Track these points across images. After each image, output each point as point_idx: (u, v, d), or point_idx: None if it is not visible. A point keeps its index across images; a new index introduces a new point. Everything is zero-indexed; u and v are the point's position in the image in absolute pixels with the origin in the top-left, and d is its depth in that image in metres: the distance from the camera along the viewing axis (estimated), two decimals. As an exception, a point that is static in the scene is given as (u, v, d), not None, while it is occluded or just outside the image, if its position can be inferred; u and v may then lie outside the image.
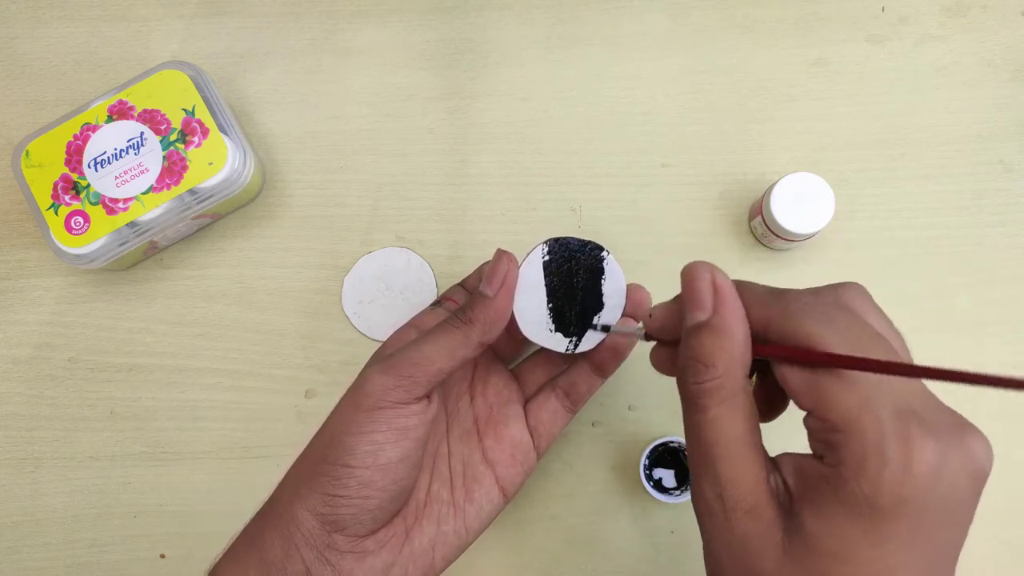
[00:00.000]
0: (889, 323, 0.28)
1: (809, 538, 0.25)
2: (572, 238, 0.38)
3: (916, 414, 0.24)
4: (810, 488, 0.25)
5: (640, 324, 0.35)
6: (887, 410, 0.24)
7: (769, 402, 0.31)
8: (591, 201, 0.49)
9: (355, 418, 0.34)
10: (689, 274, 0.29)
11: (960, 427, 0.25)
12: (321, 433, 0.36)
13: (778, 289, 0.28)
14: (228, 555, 0.35)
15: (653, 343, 0.34)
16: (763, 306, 0.28)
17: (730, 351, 0.27)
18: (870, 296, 0.28)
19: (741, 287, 0.29)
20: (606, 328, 0.38)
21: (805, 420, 0.26)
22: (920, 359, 0.27)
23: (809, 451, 0.27)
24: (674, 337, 0.31)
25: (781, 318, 0.27)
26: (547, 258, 0.38)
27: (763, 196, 0.46)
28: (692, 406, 0.27)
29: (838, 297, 0.27)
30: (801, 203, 0.44)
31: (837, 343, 0.25)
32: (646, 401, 0.47)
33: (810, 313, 0.26)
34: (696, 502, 0.28)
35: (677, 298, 0.31)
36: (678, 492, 0.45)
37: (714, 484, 0.26)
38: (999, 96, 0.50)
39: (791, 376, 0.26)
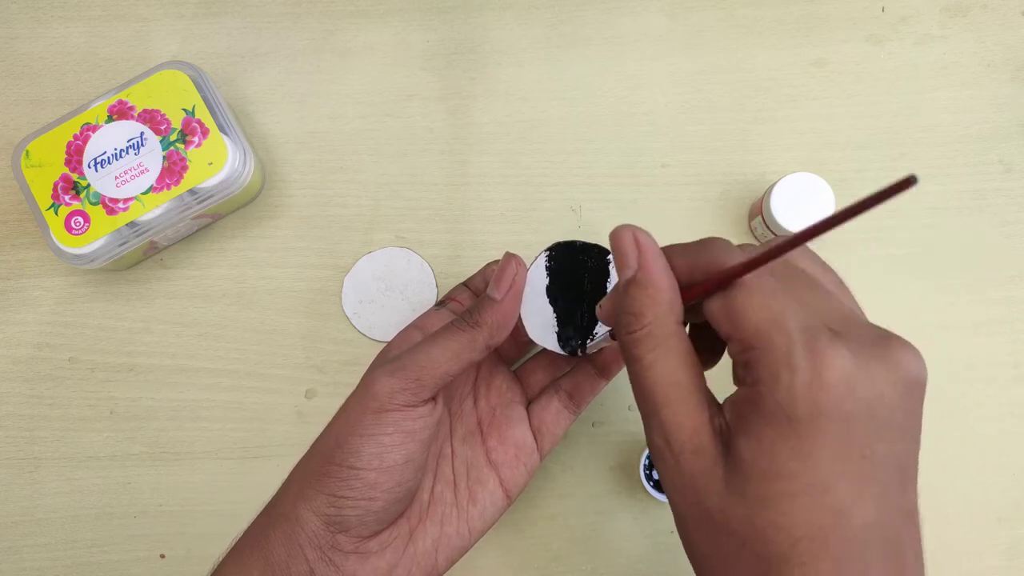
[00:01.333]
0: (818, 261, 0.29)
1: (743, 464, 0.25)
2: (578, 241, 0.38)
3: (829, 328, 0.24)
4: (739, 415, 0.25)
5: (606, 331, 0.35)
6: (796, 323, 0.24)
7: (708, 350, 0.31)
8: (591, 201, 0.49)
9: (361, 420, 0.34)
10: (614, 237, 0.29)
11: (884, 338, 0.25)
12: (326, 434, 0.36)
13: (695, 241, 0.29)
14: (231, 555, 0.35)
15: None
16: (684, 257, 0.28)
17: (655, 299, 0.27)
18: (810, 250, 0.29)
19: (669, 248, 0.29)
20: (586, 351, 0.39)
21: (728, 349, 0.26)
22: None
23: None
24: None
25: (702, 262, 0.28)
26: (553, 262, 0.38)
27: (763, 196, 0.46)
28: (629, 357, 0.28)
29: (750, 244, 0.29)
30: (801, 203, 0.44)
31: (741, 260, 0.26)
32: (646, 401, 0.47)
33: (724, 250, 0.27)
34: (651, 451, 0.28)
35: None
36: (678, 492, 0.45)
37: (660, 430, 0.27)
38: (999, 96, 0.50)
39: (711, 307, 0.26)
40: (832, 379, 0.23)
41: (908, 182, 0.19)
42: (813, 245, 0.26)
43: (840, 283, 0.29)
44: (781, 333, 0.24)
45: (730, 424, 0.26)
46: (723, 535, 0.25)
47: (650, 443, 0.28)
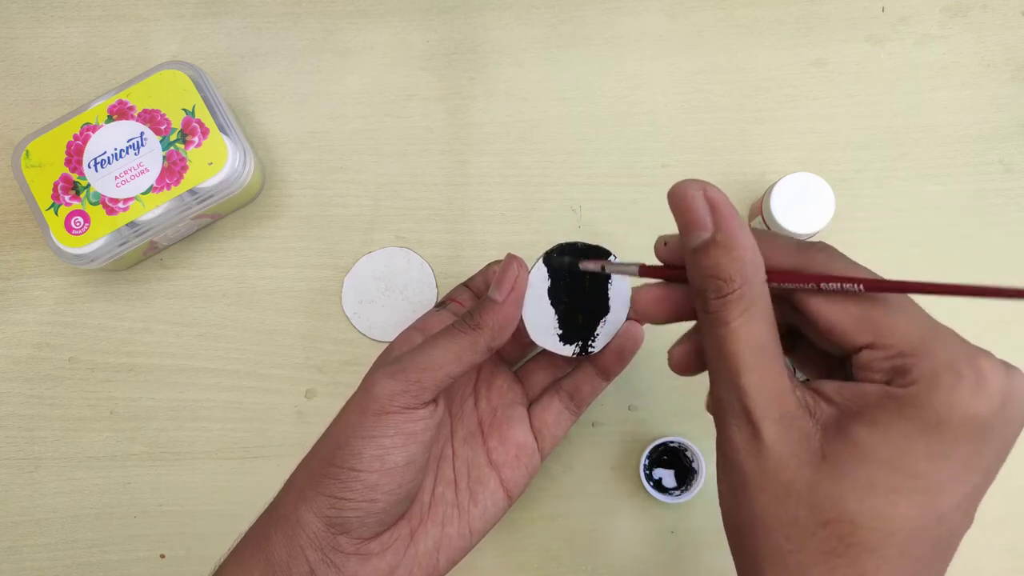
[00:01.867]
0: None
1: (859, 448, 0.24)
2: (579, 243, 0.38)
3: (972, 344, 0.25)
4: (868, 406, 0.25)
5: (634, 261, 0.33)
6: (951, 334, 0.25)
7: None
8: (591, 201, 0.49)
9: (362, 422, 0.34)
10: (679, 195, 0.27)
11: (1003, 360, 0.25)
12: (327, 436, 0.36)
13: (802, 240, 0.28)
14: (232, 557, 0.35)
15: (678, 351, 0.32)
16: (785, 252, 0.28)
17: (742, 260, 0.26)
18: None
19: (762, 235, 0.28)
20: (596, 269, 0.37)
21: (859, 356, 0.26)
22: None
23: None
24: (675, 275, 0.30)
25: (808, 263, 0.27)
26: (554, 263, 0.38)
27: (763, 196, 0.46)
28: (714, 322, 0.27)
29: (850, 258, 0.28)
30: (801, 203, 0.44)
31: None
32: (646, 401, 0.47)
33: (835, 258, 0.27)
34: (717, 419, 0.27)
35: None
36: (678, 492, 0.45)
37: (738, 393, 0.26)
38: (999, 96, 0.50)
39: (840, 314, 0.26)
40: (993, 389, 0.23)
41: None
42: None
43: None
44: (943, 343, 0.25)
45: (843, 406, 0.25)
46: (802, 507, 0.25)
47: (721, 410, 0.27)
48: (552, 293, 0.38)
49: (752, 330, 0.26)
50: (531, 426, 0.40)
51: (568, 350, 0.38)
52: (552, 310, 0.38)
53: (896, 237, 0.48)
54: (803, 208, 0.44)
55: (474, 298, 0.43)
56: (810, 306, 0.27)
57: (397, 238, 0.49)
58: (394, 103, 0.51)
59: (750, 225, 0.48)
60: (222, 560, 0.35)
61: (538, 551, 0.46)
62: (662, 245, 0.31)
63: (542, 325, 0.38)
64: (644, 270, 0.31)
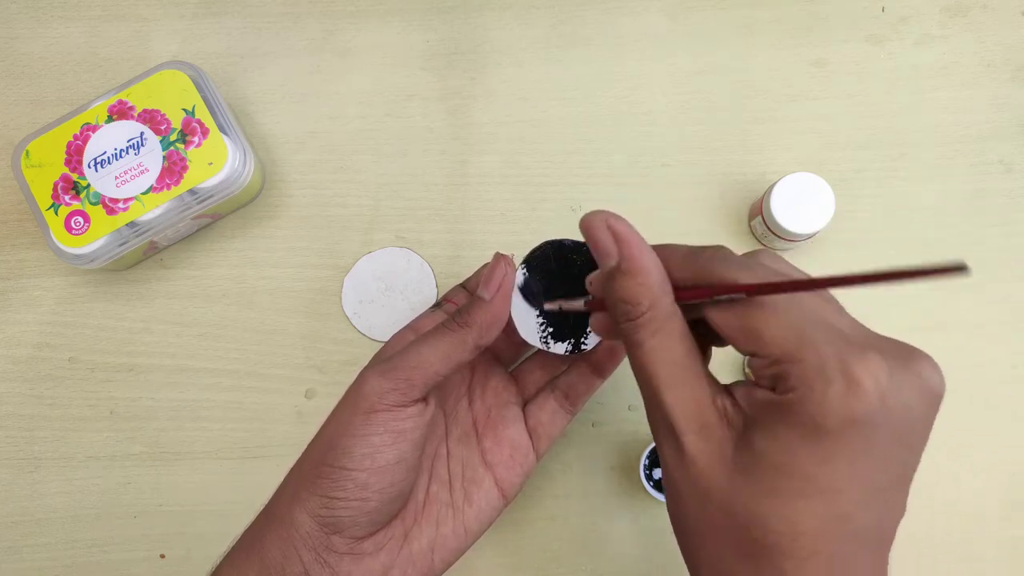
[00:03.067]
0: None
1: (758, 455, 0.25)
2: (568, 239, 0.38)
3: (858, 342, 0.25)
4: (761, 413, 0.26)
5: (583, 298, 0.35)
6: (823, 337, 0.25)
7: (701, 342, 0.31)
8: (591, 201, 0.49)
9: (352, 421, 0.34)
10: (584, 226, 0.29)
11: (907, 350, 0.25)
12: (319, 436, 0.36)
13: (697, 247, 0.29)
14: (228, 558, 0.35)
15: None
16: (683, 263, 0.29)
17: (647, 284, 0.28)
18: (784, 259, 0.30)
19: (662, 248, 0.30)
20: (554, 308, 0.38)
21: (749, 363, 0.27)
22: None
23: None
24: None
25: (701, 271, 0.28)
26: (543, 260, 0.38)
27: (763, 196, 0.46)
28: (629, 344, 0.28)
29: (752, 255, 0.29)
30: (801, 203, 0.44)
31: (752, 280, 0.26)
32: (646, 401, 0.47)
33: (726, 262, 0.28)
34: (653, 434, 0.29)
35: None
36: (678, 492, 0.45)
37: (662, 411, 0.27)
38: (999, 96, 0.50)
39: (724, 323, 0.27)
40: (868, 389, 0.23)
41: (958, 269, 0.19)
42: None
43: (836, 300, 0.29)
44: (811, 349, 0.24)
45: (746, 413, 0.27)
46: (720, 514, 0.26)
47: (653, 424, 0.29)
48: (542, 291, 0.38)
49: (665, 349, 0.28)
50: (526, 425, 0.40)
51: (560, 348, 0.38)
52: (541, 308, 0.38)
53: (896, 237, 0.48)
54: (803, 208, 0.44)
55: (469, 299, 0.43)
56: (706, 316, 0.28)
57: (397, 238, 0.49)
58: (394, 103, 0.51)
59: (749, 225, 0.48)
60: (217, 562, 0.35)
61: (538, 551, 0.46)
62: (590, 283, 0.33)
63: (533, 324, 0.38)
64: (589, 304, 0.34)
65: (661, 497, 0.44)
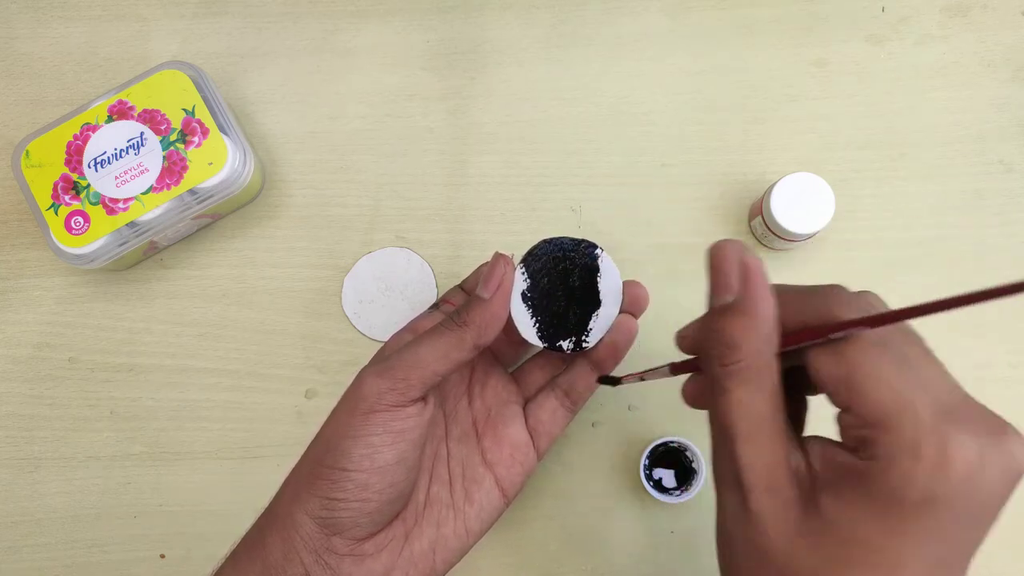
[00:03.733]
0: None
1: (826, 519, 0.25)
2: (565, 238, 0.38)
3: (953, 413, 0.24)
4: (836, 475, 0.25)
5: (665, 363, 0.34)
6: (924, 407, 0.24)
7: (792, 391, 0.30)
8: (591, 201, 0.49)
9: (351, 422, 0.34)
10: (715, 253, 0.28)
11: (999, 427, 0.25)
12: (318, 437, 0.36)
13: (808, 286, 0.28)
14: (229, 560, 0.35)
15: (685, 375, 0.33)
16: (794, 303, 0.27)
17: (756, 332, 0.26)
18: (883, 301, 0.28)
19: (777, 286, 0.28)
20: (618, 380, 0.38)
21: (839, 417, 0.26)
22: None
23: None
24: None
25: (814, 312, 0.27)
26: (541, 259, 0.38)
27: (763, 196, 0.46)
28: (716, 387, 0.27)
29: (863, 296, 0.28)
30: (801, 203, 0.44)
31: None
32: (646, 401, 0.47)
33: (841, 304, 0.26)
34: (715, 478, 0.28)
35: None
36: (678, 492, 0.45)
37: (733, 464, 0.26)
38: (999, 96, 0.50)
39: (827, 371, 0.25)
40: (958, 472, 0.23)
41: None
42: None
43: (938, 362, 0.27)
44: (910, 418, 0.23)
45: (817, 474, 0.26)
46: (775, 575, 0.26)
47: (718, 472, 0.28)
48: (541, 291, 0.38)
49: (752, 402, 0.26)
50: (526, 424, 0.40)
51: (562, 346, 0.38)
52: (542, 307, 0.38)
53: (896, 237, 0.48)
54: (803, 208, 0.44)
55: (468, 298, 0.43)
56: (807, 359, 0.26)
57: (397, 238, 0.49)
58: (394, 103, 0.51)
59: (749, 225, 0.48)
60: (219, 564, 0.35)
61: (538, 551, 0.46)
62: (681, 339, 0.32)
63: (533, 323, 0.38)
64: (675, 367, 0.33)
65: (661, 497, 0.44)
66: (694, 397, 0.32)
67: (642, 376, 0.36)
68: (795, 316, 0.27)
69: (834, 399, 0.26)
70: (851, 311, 0.26)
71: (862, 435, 0.24)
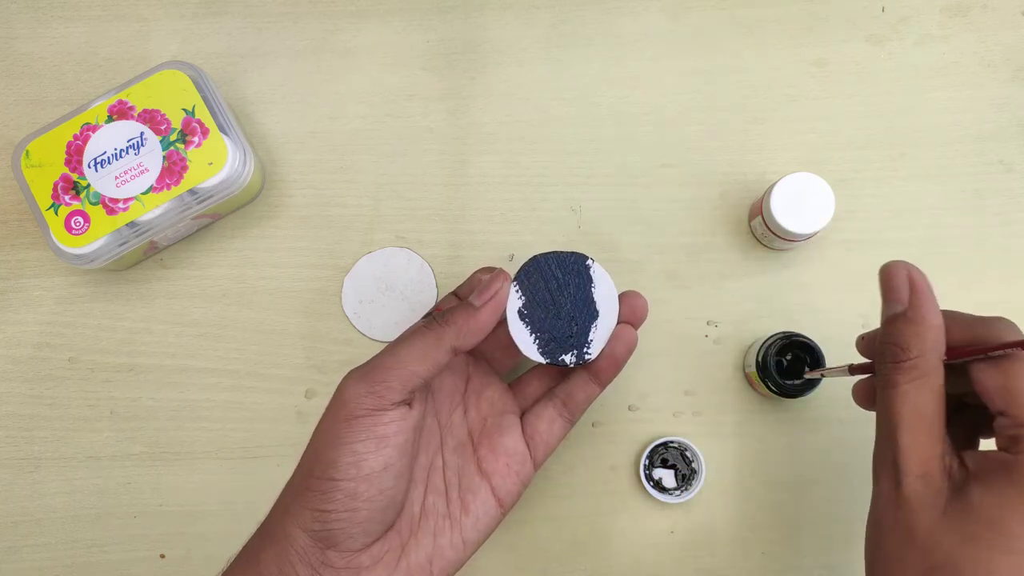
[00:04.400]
0: None
1: (971, 506, 0.28)
2: (555, 251, 0.38)
3: None
4: (987, 471, 0.28)
5: (844, 364, 0.38)
6: None
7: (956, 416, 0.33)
8: (591, 201, 0.49)
9: (334, 429, 0.34)
10: (887, 271, 0.32)
11: None
12: (307, 450, 0.36)
13: (979, 316, 0.32)
14: (226, 575, 0.35)
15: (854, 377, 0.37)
16: (966, 326, 0.31)
17: (923, 336, 0.30)
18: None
19: (951, 313, 0.32)
20: (816, 376, 0.42)
21: (996, 422, 0.29)
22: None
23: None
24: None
25: (982, 334, 0.30)
26: (532, 277, 0.38)
27: (763, 196, 0.46)
28: (885, 382, 0.31)
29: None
30: (801, 203, 0.44)
31: None
32: (646, 401, 0.47)
33: (1008, 330, 0.30)
34: (874, 466, 0.31)
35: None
36: (678, 492, 0.45)
37: (893, 449, 0.30)
38: (999, 96, 0.50)
39: (987, 379, 0.29)
40: None
41: None
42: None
43: None
44: None
45: (971, 470, 0.29)
46: (919, 553, 0.28)
47: (879, 459, 0.31)
48: (537, 307, 0.38)
49: (918, 397, 0.30)
50: (523, 434, 0.40)
51: (564, 360, 0.38)
52: (539, 323, 0.38)
53: (896, 237, 0.48)
54: (803, 208, 0.44)
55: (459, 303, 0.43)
56: (971, 371, 0.30)
57: (397, 238, 0.49)
58: (394, 103, 0.51)
59: (749, 225, 0.48)
60: None
61: (538, 551, 0.46)
62: (860, 340, 0.36)
63: (532, 339, 0.38)
64: (854, 369, 0.37)
65: (661, 497, 0.44)
66: (863, 397, 0.36)
67: (823, 373, 0.41)
68: (961, 335, 0.31)
69: (992, 404, 0.29)
70: (1011, 335, 0.30)
71: (1014, 434, 0.28)
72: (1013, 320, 0.31)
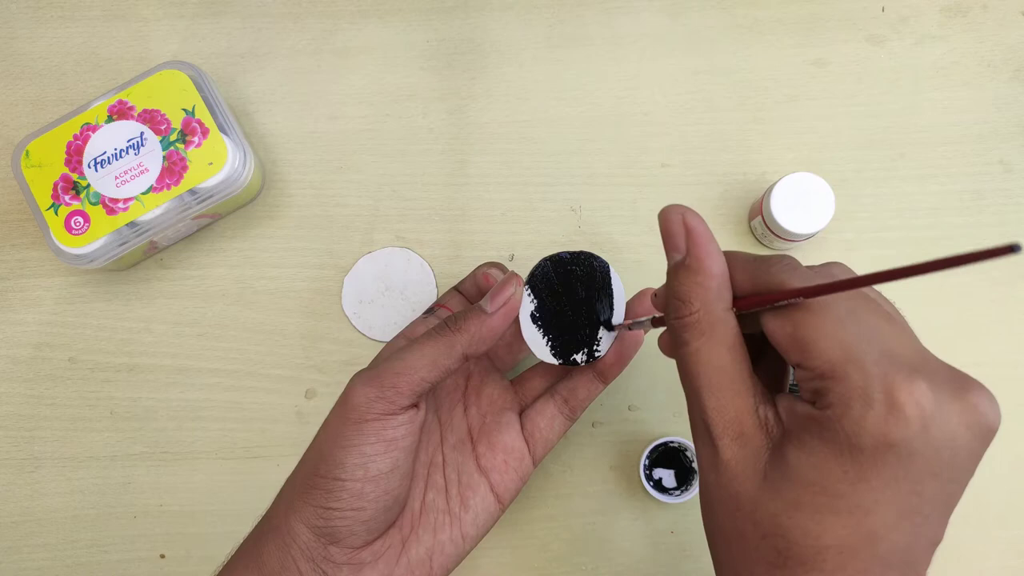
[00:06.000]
0: (881, 294, 0.29)
1: (789, 468, 0.25)
2: (563, 252, 0.38)
3: (908, 364, 0.24)
4: (799, 426, 0.26)
5: (648, 316, 0.35)
6: (872, 357, 0.24)
7: (756, 354, 0.31)
8: (591, 201, 0.49)
9: (343, 431, 0.34)
10: (662, 217, 0.29)
11: (962, 380, 0.25)
12: (312, 446, 0.36)
13: (761, 256, 0.29)
14: (225, 570, 0.35)
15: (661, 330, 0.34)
16: (747, 270, 0.28)
17: (705, 286, 0.28)
18: (852, 271, 0.29)
19: (733, 255, 0.29)
20: (612, 326, 0.39)
21: (795, 373, 0.27)
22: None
23: None
24: None
25: (765, 279, 0.27)
26: (544, 279, 0.38)
27: (763, 196, 0.46)
28: (676, 341, 0.28)
29: (824, 267, 0.29)
30: (801, 203, 0.44)
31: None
32: (646, 401, 0.47)
33: (791, 274, 0.27)
34: (692, 434, 0.29)
35: None
36: (678, 492, 0.45)
37: (701, 413, 0.28)
38: (999, 96, 0.50)
39: (777, 332, 0.26)
40: (909, 415, 0.23)
41: (1009, 250, 0.19)
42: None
43: (904, 321, 0.28)
44: (856, 367, 0.24)
45: (785, 425, 0.27)
46: (748, 522, 0.26)
47: (693, 426, 0.29)
48: (549, 309, 0.38)
49: (711, 353, 0.27)
50: (523, 431, 0.40)
51: (576, 359, 0.38)
52: (550, 325, 0.38)
53: (896, 237, 0.48)
54: (803, 208, 0.44)
55: (464, 302, 0.42)
56: (762, 322, 0.27)
57: (397, 238, 0.49)
58: (394, 103, 0.51)
59: (749, 225, 0.48)
60: (216, 573, 0.35)
61: (538, 550, 0.46)
62: (653, 296, 0.33)
63: (543, 341, 0.38)
64: (655, 321, 0.34)
65: (661, 497, 0.44)
66: (668, 346, 0.33)
67: (629, 325, 0.38)
68: (747, 281, 0.28)
69: (788, 357, 0.27)
70: (796, 280, 0.26)
71: (816, 387, 0.25)
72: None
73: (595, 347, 0.38)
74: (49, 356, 0.48)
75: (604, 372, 0.40)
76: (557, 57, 0.51)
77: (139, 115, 0.46)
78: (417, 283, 0.49)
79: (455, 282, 0.44)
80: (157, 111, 0.46)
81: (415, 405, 0.35)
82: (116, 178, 0.45)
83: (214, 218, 0.49)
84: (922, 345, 0.27)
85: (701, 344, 0.28)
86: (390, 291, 0.48)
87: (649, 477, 0.45)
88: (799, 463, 0.25)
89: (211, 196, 0.45)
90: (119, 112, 0.46)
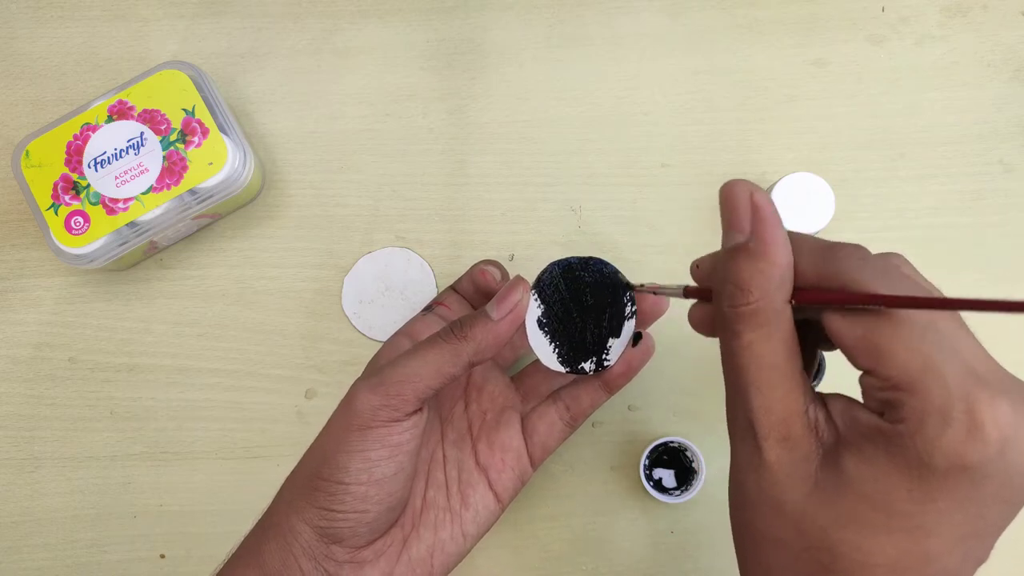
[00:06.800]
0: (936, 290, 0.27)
1: (846, 478, 0.24)
2: (573, 258, 0.37)
3: (986, 380, 0.23)
4: (860, 436, 0.24)
5: (679, 284, 0.33)
6: (953, 371, 0.22)
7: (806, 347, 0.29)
8: (591, 201, 0.49)
9: (346, 437, 0.33)
10: (725, 193, 0.26)
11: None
12: (314, 449, 0.36)
13: (829, 242, 0.26)
14: (226, 568, 0.35)
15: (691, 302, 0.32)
16: (814, 259, 0.26)
17: (767, 274, 0.25)
18: (914, 267, 0.27)
19: (799, 238, 0.27)
20: (634, 287, 0.37)
21: (861, 379, 0.25)
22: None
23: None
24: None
25: (834, 271, 0.25)
26: (551, 286, 0.37)
27: (763, 196, 0.45)
28: (726, 330, 0.26)
29: (887, 259, 0.26)
30: (801, 203, 0.44)
31: (890, 292, 0.24)
32: (646, 401, 0.47)
33: (862, 267, 0.25)
34: (729, 428, 0.27)
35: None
36: (678, 492, 0.45)
37: (747, 412, 0.26)
38: (999, 96, 0.50)
39: (847, 333, 0.24)
40: (988, 437, 0.22)
41: None
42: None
43: (974, 336, 0.26)
44: (937, 381, 0.22)
45: (840, 432, 0.25)
46: (791, 530, 0.25)
47: (732, 421, 0.27)
48: (556, 315, 0.37)
49: (765, 349, 0.25)
50: (523, 432, 0.40)
51: (584, 368, 0.38)
52: (558, 333, 0.37)
53: (896, 237, 0.48)
54: (803, 208, 0.44)
55: (461, 301, 0.42)
56: (825, 321, 0.25)
57: (397, 238, 0.49)
58: (394, 103, 0.51)
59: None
60: (216, 571, 0.35)
61: (538, 551, 0.46)
62: (695, 267, 0.31)
63: (551, 349, 0.37)
64: (689, 292, 0.32)
65: (661, 497, 0.44)
66: (699, 322, 0.31)
67: (655, 291, 0.36)
68: (812, 269, 0.26)
69: (855, 361, 0.24)
70: (874, 277, 0.24)
71: (887, 398, 0.23)
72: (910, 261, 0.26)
73: (604, 356, 0.38)
74: (49, 356, 0.48)
75: (610, 382, 0.39)
76: (557, 57, 0.51)
77: (139, 115, 0.46)
78: (417, 283, 0.49)
79: (455, 282, 0.44)
80: (157, 111, 0.46)
81: (419, 409, 0.35)
82: (116, 178, 0.45)
83: (214, 218, 0.49)
84: (996, 361, 0.25)
85: (756, 337, 0.25)
86: (390, 291, 0.48)
87: (649, 477, 0.45)
88: (859, 476, 0.24)
89: (211, 196, 0.45)
90: (119, 112, 0.46)
